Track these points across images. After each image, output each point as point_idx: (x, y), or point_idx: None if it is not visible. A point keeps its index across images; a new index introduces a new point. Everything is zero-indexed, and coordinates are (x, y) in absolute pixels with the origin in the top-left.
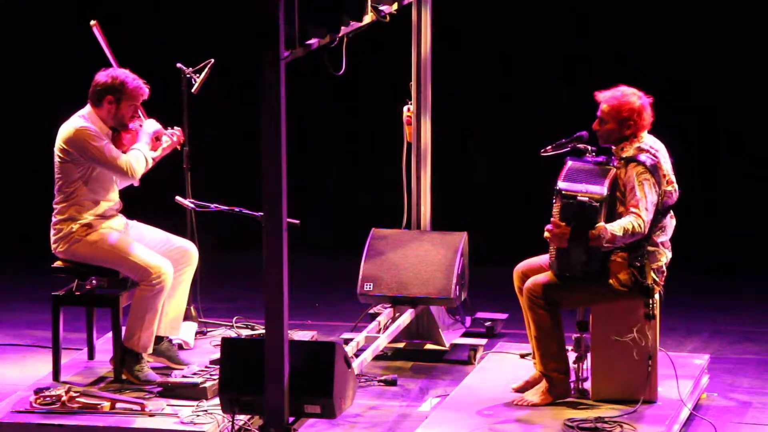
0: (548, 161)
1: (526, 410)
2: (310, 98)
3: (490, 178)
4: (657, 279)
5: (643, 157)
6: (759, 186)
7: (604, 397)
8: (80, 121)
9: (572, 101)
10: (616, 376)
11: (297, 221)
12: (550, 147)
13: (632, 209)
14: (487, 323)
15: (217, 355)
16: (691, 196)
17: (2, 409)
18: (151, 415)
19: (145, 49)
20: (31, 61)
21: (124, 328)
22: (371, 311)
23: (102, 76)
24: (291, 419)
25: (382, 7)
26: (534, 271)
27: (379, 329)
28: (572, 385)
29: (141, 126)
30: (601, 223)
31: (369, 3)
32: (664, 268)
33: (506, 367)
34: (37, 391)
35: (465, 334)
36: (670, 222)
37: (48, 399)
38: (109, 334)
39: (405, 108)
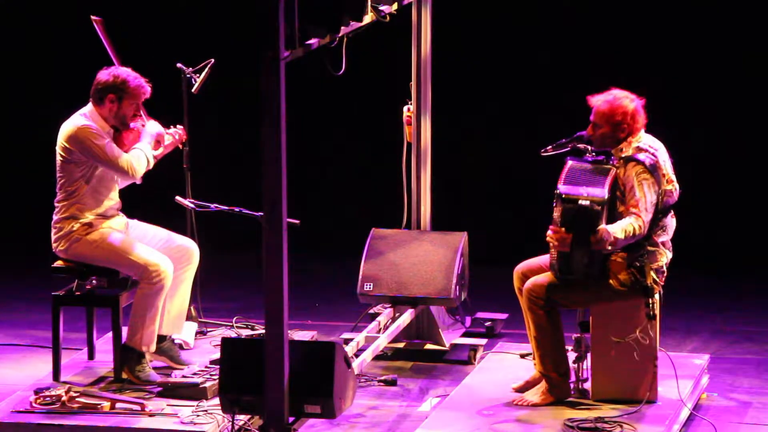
0: (548, 161)
1: (526, 410)
2: (310, 98)
3: (490, 178)
4: (657, 279)
5: (642, 156)
6: (759, 186)
7: (604, 397)
8: (82, 119)
9: (572, 101)
10: (616, 376)
11: (297, 221)
12: (550, 147)
13: (632, 209)
14: (487, 323)
15: (217, 355)
16: (692, 196)
17: (2, 409)
18: (151, 415)
19: (146, 48)
20: (31, 61)
21: (124, 329)
22: (371, 311)
23: (104, 75)
24: (291, 419)
25: (382, 7)
26: (534, 271)
27: (379, 329)
28: (572, 385)
29: (143, 125)
30: (603, 226)
31: (369, 3)
32: (665, 268)
33: (506, 367)
34: (37, 391)
35: (465, 334)
36: (671, 222)
37: (48, 399)
38: (109, 334)
39: (405, 108)
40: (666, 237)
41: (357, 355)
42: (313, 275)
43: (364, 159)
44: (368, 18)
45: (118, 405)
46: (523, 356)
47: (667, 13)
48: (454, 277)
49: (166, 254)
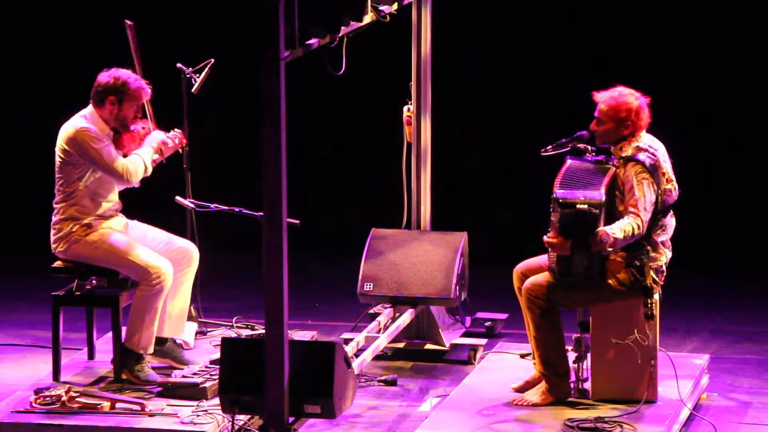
0: (548, 161)
1: (526, 410)
2: (310, 98)
3: (490, 178)
4: (656, 279)
5: (641, 156)
6: (759, 186)
7: (604, 397)
8: (81, 121)
9: (572, 101)
10: (616, 376)
11: (297, 221)
12: (550, 146)
13: (631, 209)
14: (487, 323)
15: (217, 355)
16: (692, 196)
17: (2, 409)
18: (151, 415)
19: (146, 48)
20: (31, 61)
21: (124, 329)
22: (371, 311)
23: (104, 77)
24: (291, 419)
25: (382, 7)
26: (533, 271)
27: (379, 329)
28: (572, 385)
29: (144, 128)
30: (602, 228)
31: (369, 3)
32: (664, 267)
33: (506, 367)
34: (37, 391)
35: (465, 334)
36: (671, 221)
37: (48, 399)
38: (109, 334)
39: (405, 108)
40: (666, 236)
41: (357, 355)
42: (313, 275)
43: (364, 159)
44: (368, 18)
45: (118, 405)
46: (523, 356)
47: (667, 13)
48: (454, 277)
49: (166, 256)
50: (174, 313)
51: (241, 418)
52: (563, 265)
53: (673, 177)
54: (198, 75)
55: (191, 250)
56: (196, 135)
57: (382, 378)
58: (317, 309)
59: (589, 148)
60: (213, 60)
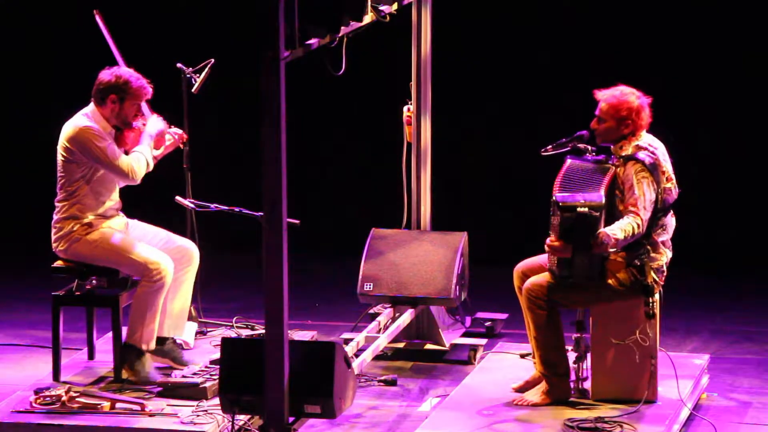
0: (548, 161)
1: (526, 410)
2: (310, 98)
3: (490, 178)
4: (657, 278)
5: (641, 155)
6: (759, 186)
7: (604, 397)
8: (84, 119)
9: (572, 101)
10: (616, 376)
11: (297, 221)
12: (550, 146)
13: (630, 208)
14: (487, 323)
15: (217, 355)
16: (692, 196)
17: (2, 409)
18: (151, 415)
19: (146, 48)
20: (31, 61)
21: (124, 328)
22: (371, 311)
23: (106, 75)
24: (291, 419)
25: (382, 7)
26: (534, 271)
27: (379, 329)
28: (572, 385)
29: (144, 125)
30: (603, 230)
31: (369, 3)
32: (665, 267)
33: (506, 367)
34: (37, 391)
35: (465, 334)
36: (671, 221)
37: (48, 399)
38: (109, 334)
39: (405, 108)
40: (666, 236)
41: (357, 355)
42: (313, 275)
43: (364, 159)
44: (368, 18)
45: (118, 405)
46: (523, 356)
47: (667, 13)
48: (454, 277)
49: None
50: (174, 312)
51: (241, 418)
52: (564, 267)
53: (673, 176)
54: (198, 75)
55: (191, 249)
56: (196, 135)
57: (382, 378)
58: (317, 309)
59: (589, 147)
60: (213, 60)
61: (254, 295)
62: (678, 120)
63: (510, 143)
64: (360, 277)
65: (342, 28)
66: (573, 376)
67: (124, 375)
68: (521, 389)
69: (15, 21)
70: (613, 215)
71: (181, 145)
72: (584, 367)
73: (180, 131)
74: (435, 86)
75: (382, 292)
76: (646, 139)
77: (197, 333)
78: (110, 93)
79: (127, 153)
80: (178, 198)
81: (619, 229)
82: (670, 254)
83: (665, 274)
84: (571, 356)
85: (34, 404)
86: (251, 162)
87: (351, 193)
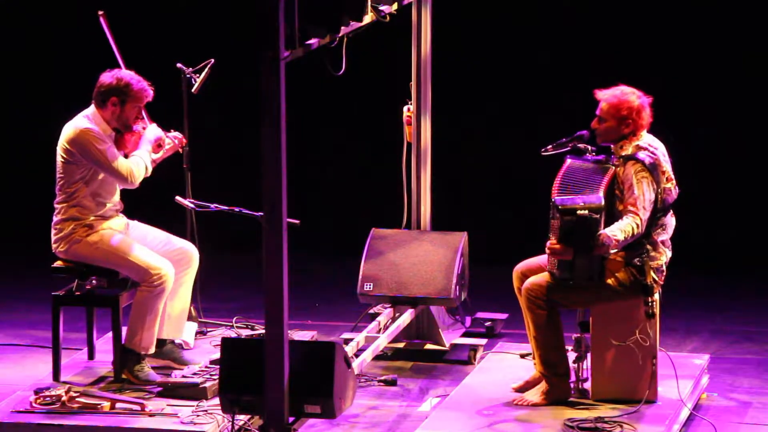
0: (548, 161)
1: (526, 410)
2: (310, 98)
3: (490, 178)
4: (656, 278)
5: (641, 155)
6: (759, 186)
7: (604, 397)
8: (84, 121)
9: (572, 101)
10: (616, 376)
11: (297, 221)
12: (550, 146)
13: (630, 208)
14: (487, 323)
15: (217, 355)
16: (692, 196)
17: (2, 409)
18: (151, 415)
19: (146, 48)
20: (31, 61)
21: (124, 329)
22: (371, 311)
23: (107, 78)
24: (291, 419)
25: (382, 7)
26: (533, 271)
27: (379, 329)
28: (572, 385)
29: (144, 128)
30: (603, 231)
31: (369, 3)
32: (664, 267)
33: (506, 367)
34: (37, 391)
35: (465, 334)
36: (671, 220)
37: (48, 399)
38: (109, 334)
39: (405, 108)
40: (666, 236)
41: (357, 355)
42: (313, 275)
43: (364, 159)
44: (368, 18)
45: (118, 405)
46: (523, 356)
47: (667, 13)
48: (454, 277)
49: (166, 257)
50: (174, 314)
51: (241, 418)
52: (565, 269)
53: (672, 176)
54: (198, 75)
55: (191, 251)
56: (196, 135)
57: (382, 378)
58: (317, 309)
59: (590, 147)
60: (213, 60)
61: (254, 295)
62: (678, 120)
63: (510, 143)
64: (360, 277)
65: (342, 28)
66: (573, 376)
67: (124, 377)
68: (521, 389)
69: (15, 21)
70: (612, 215)
71: (180, 150)
72: (584, 367)
73: (179, 135)
74: (435, 86)
75: (382, 292)
76: (646, 139)
77: (197, 333)
78: (111, 95)
79: (126, 156)
80: (178, 198)
81: (618, 230)
82: (669, 254)
83: (665, 273)
84: (571, 356)
85: (34, 404)
86: (251, 162)
87: (351, 193)
